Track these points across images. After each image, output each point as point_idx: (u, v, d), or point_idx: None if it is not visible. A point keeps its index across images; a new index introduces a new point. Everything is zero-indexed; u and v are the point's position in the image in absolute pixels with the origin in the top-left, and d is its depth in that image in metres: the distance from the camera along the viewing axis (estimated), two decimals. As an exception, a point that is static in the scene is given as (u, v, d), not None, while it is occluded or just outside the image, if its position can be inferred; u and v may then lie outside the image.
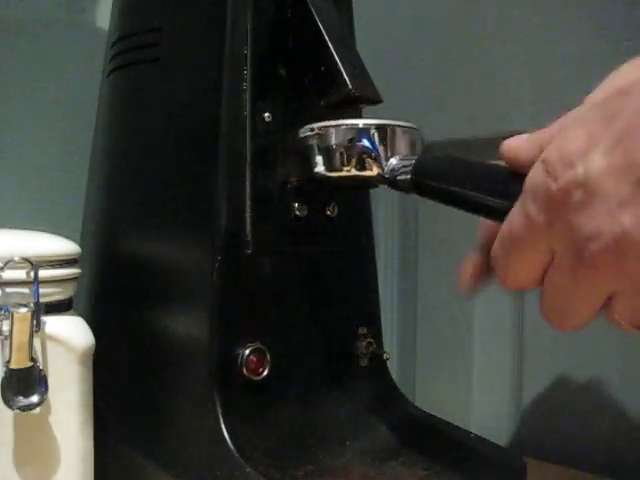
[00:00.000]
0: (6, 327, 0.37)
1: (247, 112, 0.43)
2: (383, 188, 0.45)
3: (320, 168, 0.42)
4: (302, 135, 0.43)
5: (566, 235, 0.30)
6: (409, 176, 0.40)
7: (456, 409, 0.66)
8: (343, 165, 0.41)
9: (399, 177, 0.40)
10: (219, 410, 0.41)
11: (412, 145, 0.42)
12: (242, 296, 0.43)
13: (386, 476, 0.42)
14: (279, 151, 0.44)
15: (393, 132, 0.41)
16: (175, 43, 0.47)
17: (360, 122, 0.41)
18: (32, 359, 0.37)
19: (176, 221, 0.46)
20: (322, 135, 0.42)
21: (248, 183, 0.43)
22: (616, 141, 0.28)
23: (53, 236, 0.41)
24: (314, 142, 0.42)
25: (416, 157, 0.40)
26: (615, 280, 0.30)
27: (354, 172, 0.41)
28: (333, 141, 0.41)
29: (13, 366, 0.37)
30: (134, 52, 0.50)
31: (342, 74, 0.41)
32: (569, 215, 0.29)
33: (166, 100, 0.47)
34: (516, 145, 0.34)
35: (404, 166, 0.40)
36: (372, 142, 0.41)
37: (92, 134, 0.56)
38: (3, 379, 0.37)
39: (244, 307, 0.43)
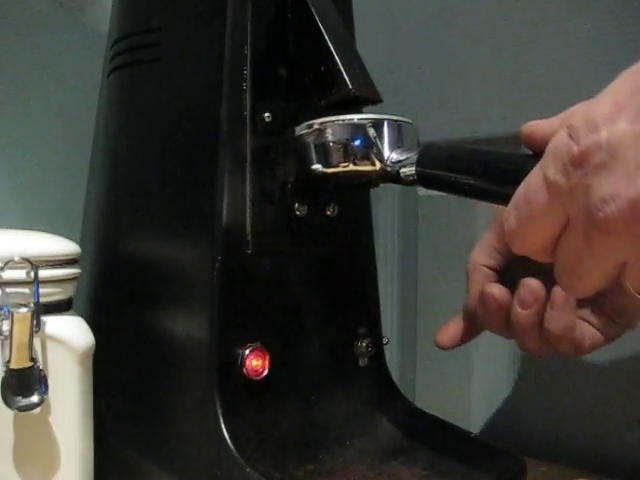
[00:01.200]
0: (6, 327, 0.37)
1: (247, 112, 0.43)
2: (383, 188, 0.45)
3: (317, 165, 0.42)
4: (299, 133, 0.43)
5: (583, 197, 0.30)
6: (413, 168, 0.40)
7: (456, 409, 0.66)
8: (340, 161, 0.41)
9: (402, 170, 0.40)
10: (219, 410, 0.41)
11: (408, 140, 0.42)
12: (242, 296, 0.43)
13: (386, 476, 0.42)
14: (279, 151, 0.44)
15: (389, 127, 0.41)
16: (175, 43, 0.47)
17: (356, 117, 0.41)
18: (32, 359, 0.37)
19: (176, 221, 0.46)
20: (318, 131, 0.42)
21: (248, 183, 0.43)
22: None
23: (53, 236, 0.41)
24: (311, 139, 0.42)
25: (417, 149, 0.40)
26: (626, 246, 0.30)
27: (352, 167, 0.41)
28: (329, 137, 0.41)
29: (13, 366, 0.37)
30: (134, 52, 0.50)
31: (342, 74, 0.41)
32: (588, 177, 0.30)
33: (166, 100, 0.47)
34: (536, 122, 0.35)
35: (406, 159, 0.40)
36: (369, 137, 0.41)
37: (92, 134, 0.56)
38: (3, 379, 0.37)
39: (244, 307, 0.43)
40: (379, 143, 0.41)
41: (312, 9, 0.43)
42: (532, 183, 0.32)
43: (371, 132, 0.41)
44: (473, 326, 0.47)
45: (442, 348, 0.48)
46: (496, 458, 0.45)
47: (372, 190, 0.50)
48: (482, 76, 0.65)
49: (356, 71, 0.42)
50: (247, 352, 0.42)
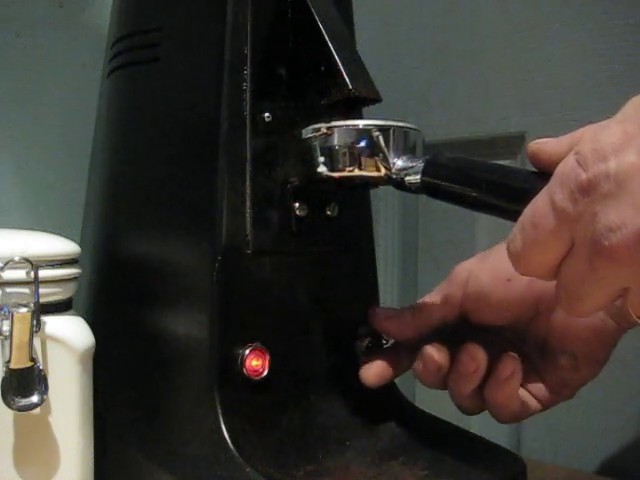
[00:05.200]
0: (6, 327, 0.37)
1: (247, 112, 0.43)
2: (383, 188, 0.45)
3: (323, 168, 0.42)
4: (305, 136, 0.43)
5: (589, 224, 0.30)
6: (418, 177, 0.40)
7: (456, 409, 0.66)
8: (346, 165, 0.41)
9: (407, 177, 0.40)
10: (219, 410, 0.41)
11: (414, 146, 0.42)
12: (242, 296, 0.43)
13: (386, 476, 0.42)
14: (279, 151, 0.44)
15: (396, 133, 0.41)
16: (175, 43, 0.47)
17: (362, 123, 0.41)
18: (32, 359, 0.37)
19: (176, 221, 0.46)
20: (325, 135, 0.42)
21: (248, 183, 0.43)
22: None
23: (53, 236, 0.41)
24: (317, 143, 0.42)
25: (423, 158, 0.40)
26: (630, 273, 0.30)
27: (358, 172, 0.41)
28: (336, 141, 0.41)
29: (13, 366, 0.37)
30: (134, 52, 0.50)
31: (342, 74, 0.41)
32: (595, 205, 0.30)
33: (166, 100, 0.47)
34: (544, 141, 0.35)
35: (411, 167, 0.40)
36: (375, 143, 0.41)
37: (92, 134, 0.56)
38: (3, 379, 0.37)
39: (244, 307, 0.43)
40: (385, 149, 0.41)
41: (312, 9, 0.43)
42: (539, 207, 0.32)
43: (378, 138, 0.41)
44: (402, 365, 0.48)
45: (369, 386, 0.47)
46: (496, 458, 0.45)
47: (372, 190, 0.50)
48: (482, 76, 0.65)
49: (356, 71, 0.42)
50: (247, 352, 0.42)
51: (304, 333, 0.46)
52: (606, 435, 0.58)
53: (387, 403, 0.49)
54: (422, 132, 0.43)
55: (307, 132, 0.43)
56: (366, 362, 0.47)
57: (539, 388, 0.45)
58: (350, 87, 0.41)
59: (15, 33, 0.61)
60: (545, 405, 0.45)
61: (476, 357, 0.42)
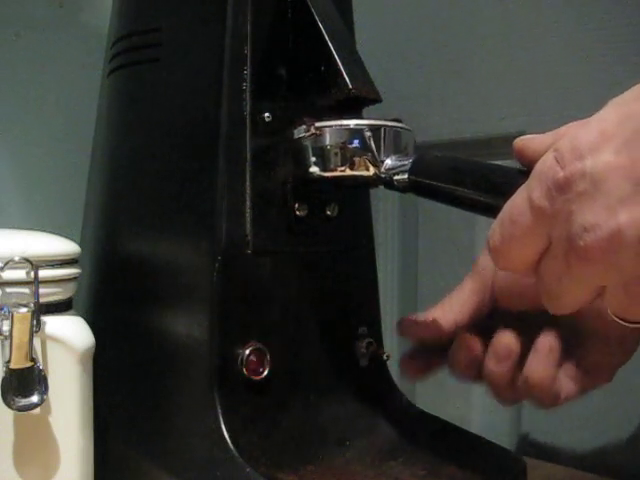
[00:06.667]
0: (6, 327, 0.37)
1: (247, 112, 0.43)
2: (383, 188, 0.45)
3: (314, 168, 0.42)
4: (297, 136, 0.43)
5: (565, 223, 0.30)
6: (406, 176, 0.40)
7: (456, 409, 0.66)
8: (337, 165, 0.41)
9: (396, 177, 0.40)
10: (219, 410, 0.41)
11: (405, 146, 0.42)
12: (242, 296, 0.43)
13: (386, 476, 0.42)
14: (279, 151, 0.44)
15: (387, 132, 0.41)
16: (175, 43, 0.47)
17: (353, 122, 0.42)
18: (32, 359, 0.37)
19: (176, 221, 0.46)
20: (316, 135, 0.42)
21: (248, 183, 0.43)
22: (626, 141, 0.29)
23: (53, 236, 0.41)
24: (308, 142, 0.42)
25: (412, 157, 0.40)
26: (605, 273, 0.30)
27: (349, 172, 0.41)
28: (327, 141, 0.41)
29: (13, 366, 0.37)
30: (134, 52, 0.50)
31: (342, 74, 0.41)
32: (571, 203, 0.30)
33: (166, 100, 0.47)
34: (529, 137, 0.35)
35: (400, 166, 0.40)
36: (366, 142, 0.41)
37: (92, 134, 0.56)
38: (3, 379, 0.37)
39: (244, 307, 0.43)
40: (374, 149, 0.41)
41: (312, 9, 0.43)
42: (517, 204, 0.33)
43: (369, 137, 0.41)
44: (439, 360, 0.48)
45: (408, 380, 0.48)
46: (496, 458, 0.45)
47: (372, 190, 0.50)
48: (482, 76, 0.65)
49: (356, 71, 0.42)
50: (247, 352, 0.42)
51: (304, 333, 0.46)
52: (606, 435, 0.58)
53: (387, 403, 0.49)
54: (412, 131, 0.43)
55: (299, 132, 0.43)
56: (404, 360, 0.48)
57: (576, 372, 0.44)
58: (350, 87, 0.41)
59: (15, 33, 0.61)
60: (584, 389, 0.45)
61: (508, 344, 0.42)
